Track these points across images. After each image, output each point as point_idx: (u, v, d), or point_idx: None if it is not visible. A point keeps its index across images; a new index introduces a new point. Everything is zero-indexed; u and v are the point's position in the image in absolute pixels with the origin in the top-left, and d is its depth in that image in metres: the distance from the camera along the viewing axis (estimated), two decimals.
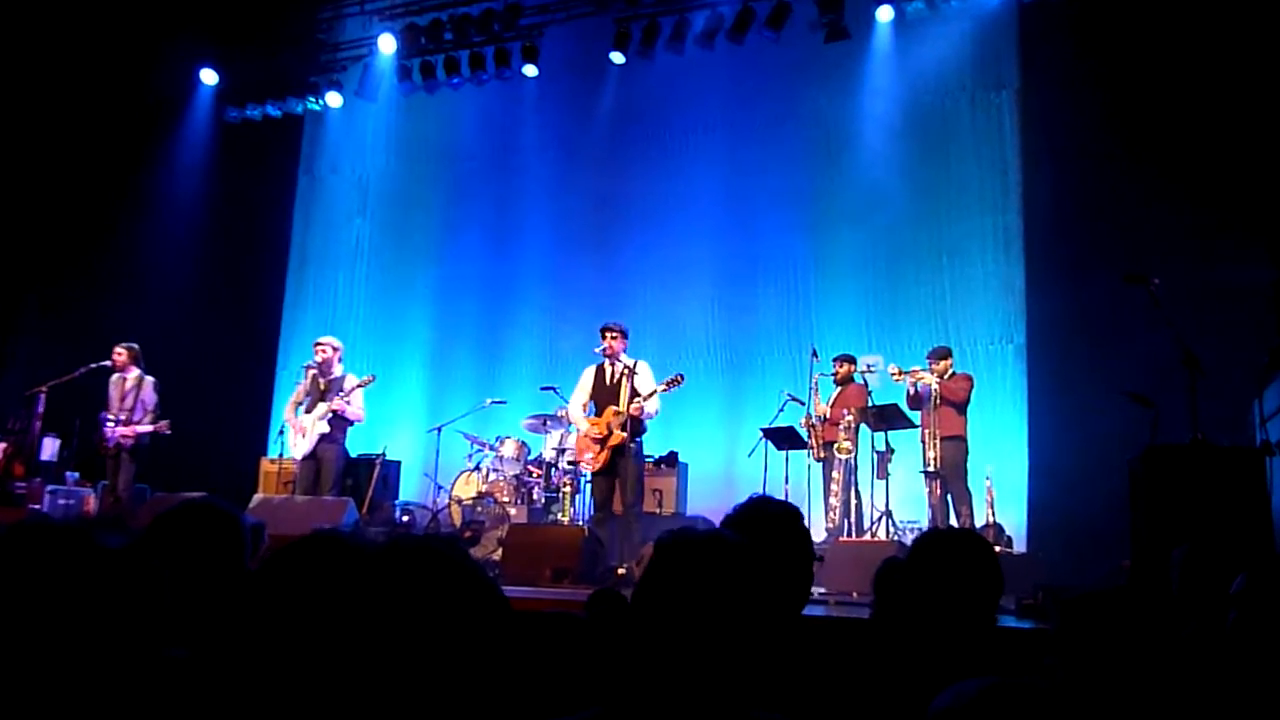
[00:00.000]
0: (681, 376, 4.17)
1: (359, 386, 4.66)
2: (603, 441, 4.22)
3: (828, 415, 4.97)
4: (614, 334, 4.27)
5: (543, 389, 5.40)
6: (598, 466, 4.21)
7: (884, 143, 5.59)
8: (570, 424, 4.94)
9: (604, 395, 4.22)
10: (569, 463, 5.20)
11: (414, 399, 6.71)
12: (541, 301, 6.62)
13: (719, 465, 5.83)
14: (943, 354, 4.70)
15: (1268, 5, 4.07)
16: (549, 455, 5.49)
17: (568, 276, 6.45)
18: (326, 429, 4.62)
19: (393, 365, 6.53)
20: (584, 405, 4.20)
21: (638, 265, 6.28)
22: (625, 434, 4.09)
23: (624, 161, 6.22)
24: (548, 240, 6.56)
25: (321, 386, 4.68)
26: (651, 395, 4.14)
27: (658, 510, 5.16)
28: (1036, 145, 5.13)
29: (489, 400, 5.68)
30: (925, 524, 4.50)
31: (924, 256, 5.55)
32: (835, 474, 4.74)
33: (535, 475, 5.43)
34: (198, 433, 5.44)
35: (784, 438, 4.98)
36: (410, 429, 6.45)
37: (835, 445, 4.76)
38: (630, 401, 4.16)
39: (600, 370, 4.25)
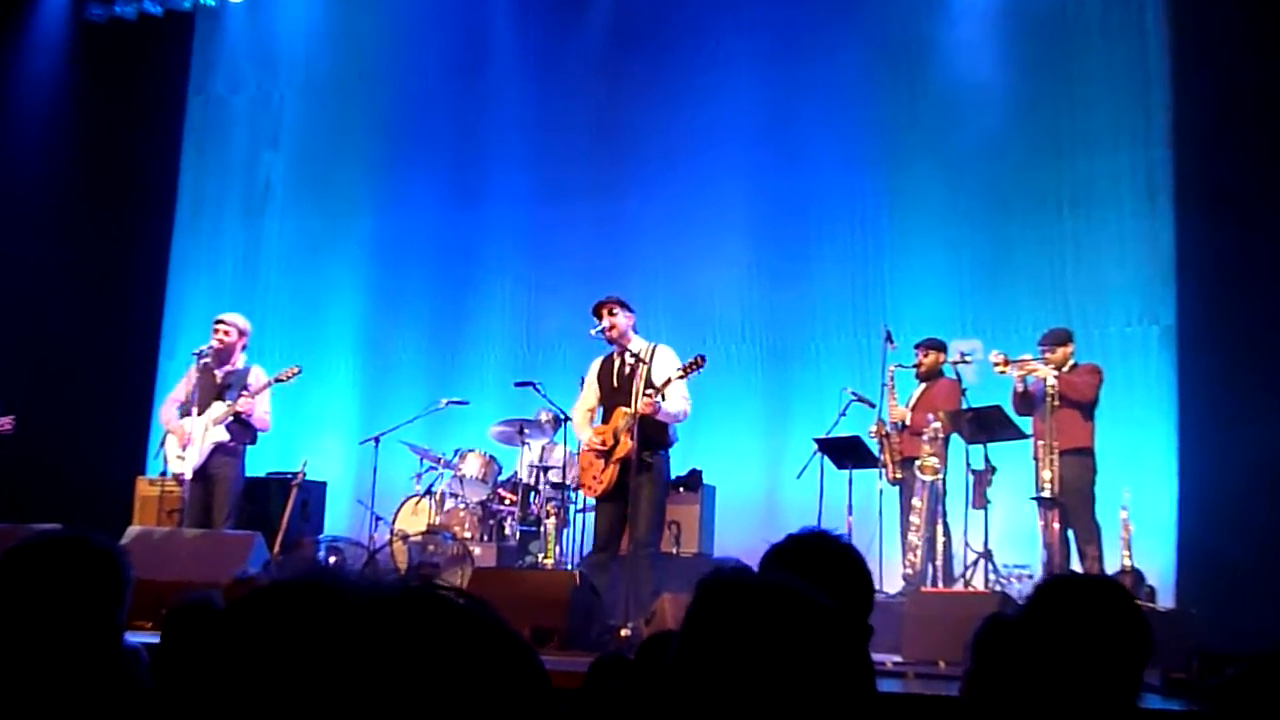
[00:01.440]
0: (702, 359, 4.16)
1: (275, 382, 4.64)
2: (608, 455, 4.22)
3: (907, 421, 5.04)
4: (611, 309, 4.33)
5: (518, 385, 5.49)
6: (603, 489, 4.21)
7: (981, 52, 5.63)
8: (554, 430, 5.26)
9: (613, 395, 4.34)
10: (554, 484, 5.31)
11: (343, 398, 6.92)
12: (516, 268, 6.80)
13: (757, 489, 5.99)
14: (1062, 338, 4.68)
15: None
16: (526, 475, 5.60)
17: (552, 235, 6.66)
18: (224, 437, 4.56)
19: (315, 352, 6.66)
20: (590, 412, 4.41)
21: (647, 220, 6.49)
22: (634, 443, 4.16)
23: (629, 80, 6.37)
24: (525, 186, 6.73)
25: (218, 381, 4.64)
26: (668, 384, 4.14)
27: (674, 550, 5.23)
28: (1192, 52, 5.02)
29: (445, 401, 5.74)
30: (1039, 569, 4.48)
31: (1036, 206, 5.60)
32: (917, 501, 4.79)
33: (508, 502, 5.55)
34: (51, 441, 5.49)
35: (847, 452, 5.08)
36: (338, 439, 6.59)
37: (917, 463, 4.80)
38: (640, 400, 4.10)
39: (608, 363, 4.30)
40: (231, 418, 4.55)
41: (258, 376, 4.71)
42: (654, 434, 4.03)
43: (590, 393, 4.31)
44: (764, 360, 6.36)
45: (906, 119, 5.87)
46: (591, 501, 4.36)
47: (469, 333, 7.00)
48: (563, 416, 4.97)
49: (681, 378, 4.10)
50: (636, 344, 4.21)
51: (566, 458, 5.10)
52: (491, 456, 5.65)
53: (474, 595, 0.54)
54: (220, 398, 4.59)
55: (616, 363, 4.24)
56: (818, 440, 5.12)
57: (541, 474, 5.51)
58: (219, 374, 4.67)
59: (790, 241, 6.29)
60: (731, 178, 6.29)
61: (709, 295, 6.39)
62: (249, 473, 4.94)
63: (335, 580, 0.54)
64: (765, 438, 6.17)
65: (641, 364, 4.15)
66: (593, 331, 4.27)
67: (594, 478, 4.14)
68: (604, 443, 4.14)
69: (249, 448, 4.76)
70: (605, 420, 4.25)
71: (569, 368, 5.59)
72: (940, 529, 4.72)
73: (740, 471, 6.03)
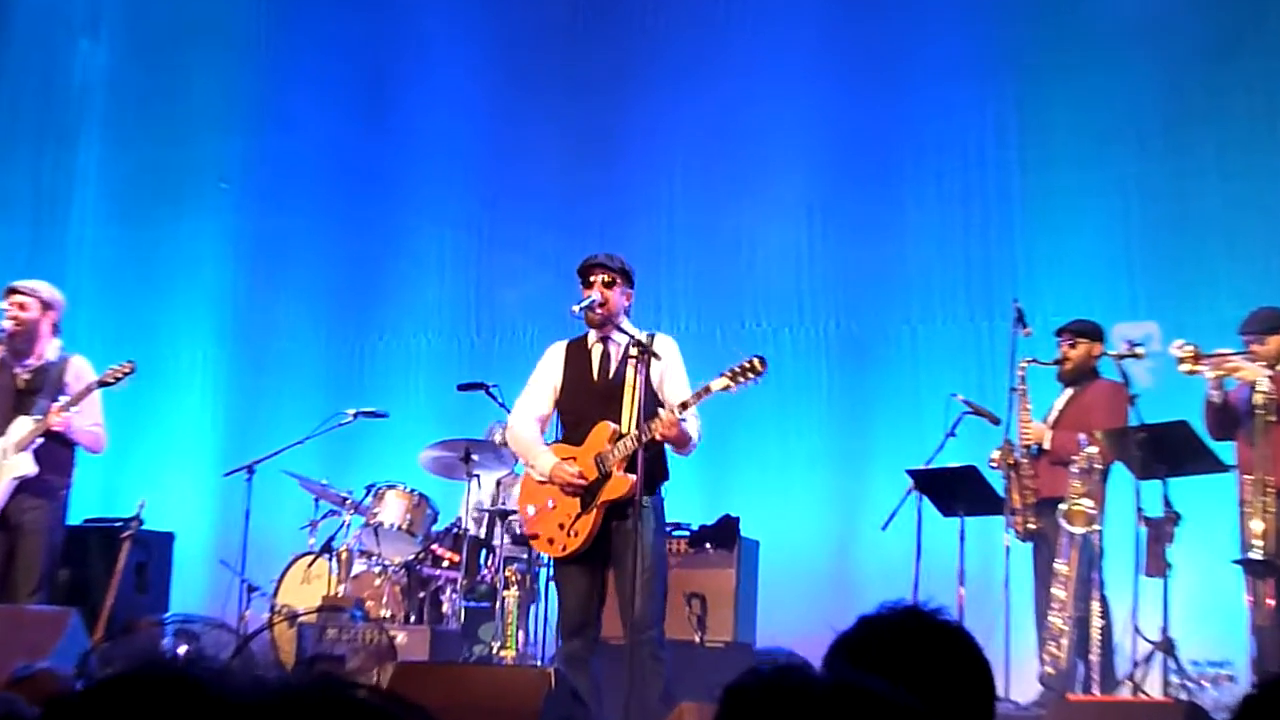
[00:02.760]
0: (761, 362, 4.09)
1: (101, 385, 4.55)
2: (589, 494, 4.15)
3: (1046, 444, 5.08)
4: (605, 273, 4.28)
5: (462, 389, 5.74)
6: (578, 545, 4.14)
7: None
8: (516, 458, 5.25)
9: (589, 401, 4.25)
10: (517, 538, 5.40)
11: (198, 411, 7.30)
12: (459, 213, 7.28)
13: (821, 546, 6.26)
14: (1276, 323, 4.69)
15: None
16: (475, 523, 5.79)
17: (515, 165, 7.15)
18: (30, 468, 4.42)
19: (153, 342, 6.97)
20: (541, 419, 4.35)
21: (657, 148, 6.95)
22: (639, 479, 4.00)
23: None
24: (472, 90, 7.22)
25: (21, 383, 4.51)
26: (704, 397, 4.10)
27: (697, 636, 5.28)
28: None
29: (352, 413, 5.87)
30: (1245, 667, 4.57)
31: (1227, 124, 5.81)
32: (1062, 565, 4.77)
33: (447, 563, 5.69)
34: None
35: (956, 491, 5.15)
36: (191, 470, 6.90)
37: (1062, 507, 4.77)
38: (644, 414, 4.10)
39: (578, 350, 4.31)
40: (41, 438, 4.39)
41: (79, 373, 4.60)
42: (651, 464, 4.04)
43: (544, 391, 4.26)
44: (830, 355, 6.63)
45: (1047, 10, 6.17)
46: (554, 559, 4.37)
47: (388, 310, 7.32)
48: None
49: (728, 388, 4.06)
50: (627, 328, 4.22)
51: None
52: (422, 496, 5.73)
53: (399, 698, 0.52)
54: (22, 409, 4.46)
55: (598, 353, 4.22)
56: (913, 473, 5.17)
57: (498, 523, 5.60)
58: (19, 372, 4.54)
59: (869, 186, 6.53)
60: (785, 93, 6.61)
61: (749, 260, 6.73)
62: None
63: (190, 679, 0.52)
64: (833, 468, 6.38)
65: (643, 359, 4.08)
66: (576, 307, 4.20)
67: (561, 526, 4.09)
68: (583, 475, 4.10)
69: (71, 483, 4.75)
70: (571, 436, 4.19)
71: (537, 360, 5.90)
72: (1096, 607, 4.70)
73: (796, 519, 6.21)
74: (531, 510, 4.18)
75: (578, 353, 4.22)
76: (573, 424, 4.20)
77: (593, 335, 4.21)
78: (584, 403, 4.17)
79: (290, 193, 7.54)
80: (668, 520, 4.44)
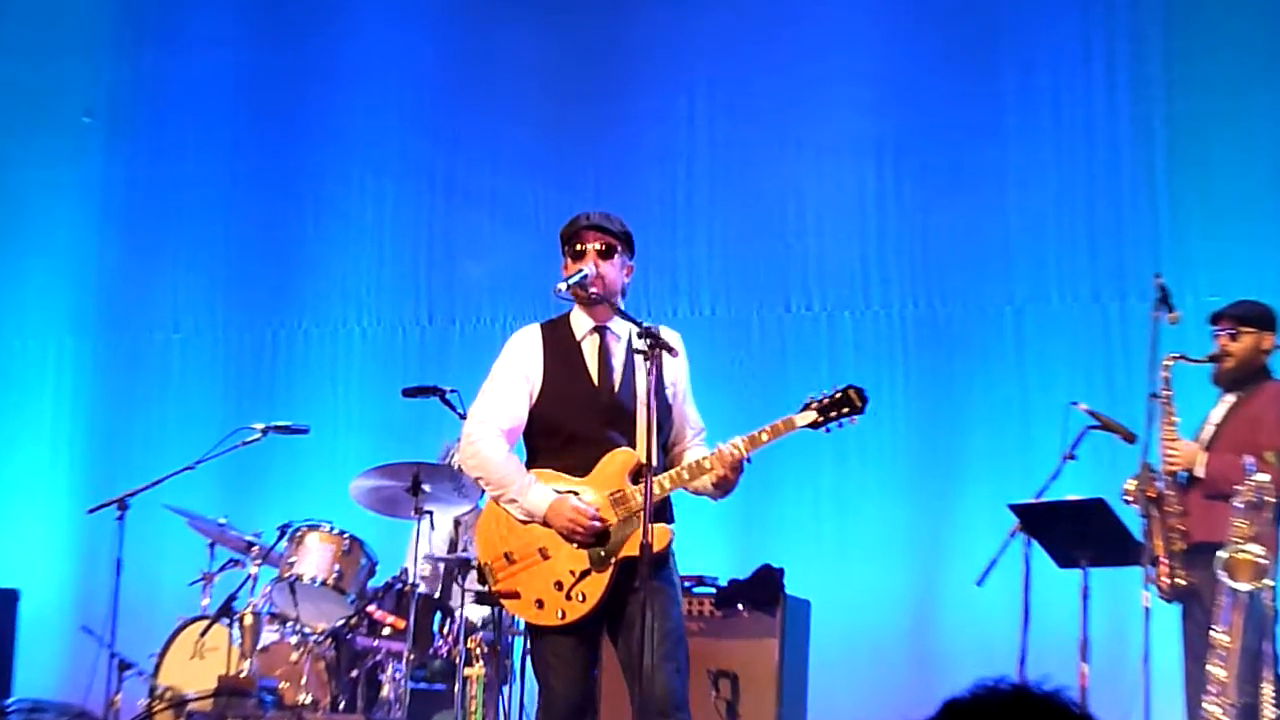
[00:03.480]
0: (861, 396, 4.04)
1: None
2: (603, 548, 4.05)
3: (1199, 471, 5.04)
4: (600, 239, 4.24)
5: (408, 394, 5.65)
6: (584, 612, 4.03)
7: None
8: (474, 485, 5.38)
9: (584, 413, 4.23)
10: (483, 595, 5.33)
11: (52, 426, 7.41)
12: (405, 161, 7.44)
13: (893, 605, 6.30)
14: None
15: None
16: (427, 578, 5.75)
17: (481, 100, 7.30)
18: None
19: None
20: (509, 433, 4.24)
21: (672, 81, 7.13)
22: (671, 528, 4.07)
23: None
24: (427, 3, 7.55)
25: None
26: (777, 436, 4.05)
27: None
28: None
29: (260, 427, 5.82)
30: None
31: None
32: (1223, 634, 4.73)
33: (389, 629, 5.68)
34: None
35: (1077, 532, 5.10)
36: (43, 504, 7.09)
37: (1223, 555, 4.75)
38: (658, 435, 4.06)
39: (561, 341, 4.30)
40: None
41: None
42: (660, 504, 4.09)
43: (517, 393, 4.20)
44: (906, 347, 6.72)
45: None
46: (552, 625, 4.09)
47: (309, 290, 7.48)
48: None
49: (817, 425, 4.03)
50: (616, 323, 4.24)
51: None
52: (355, 540, 5.75)
53: None
54: None
55: (592, 347, 4.21)
56: (1018, 509, 5.16)
57: (457, 576, 5.62)
58: None
59: (958, 122, 6.69)
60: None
61: (797, 223, 6.87)
62: None
63: None
64: (909, 500, 6.52)
65: (653, 356, 3.96)
66: (562, 285, 4.10)
67: (559, 586, 4.02)
68: (599, 519, 4.01)
69: None
70: (566, 462, 4.14)
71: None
72: (1269, 690, 4.68)
73: (859, 571, 6.32)
74: (509, 560, 4.08)
75: (561, 344, 4.19)
76: (560, 445, 4.13)
77: (581, 321, 4.18)
78: (578, 416, 4.12)
79: (178, 132, 7.60)
80: (685, 573, 4.46)
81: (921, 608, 6.32)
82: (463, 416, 5.24)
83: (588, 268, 4.05)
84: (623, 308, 4.12)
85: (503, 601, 4.21)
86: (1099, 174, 6.56)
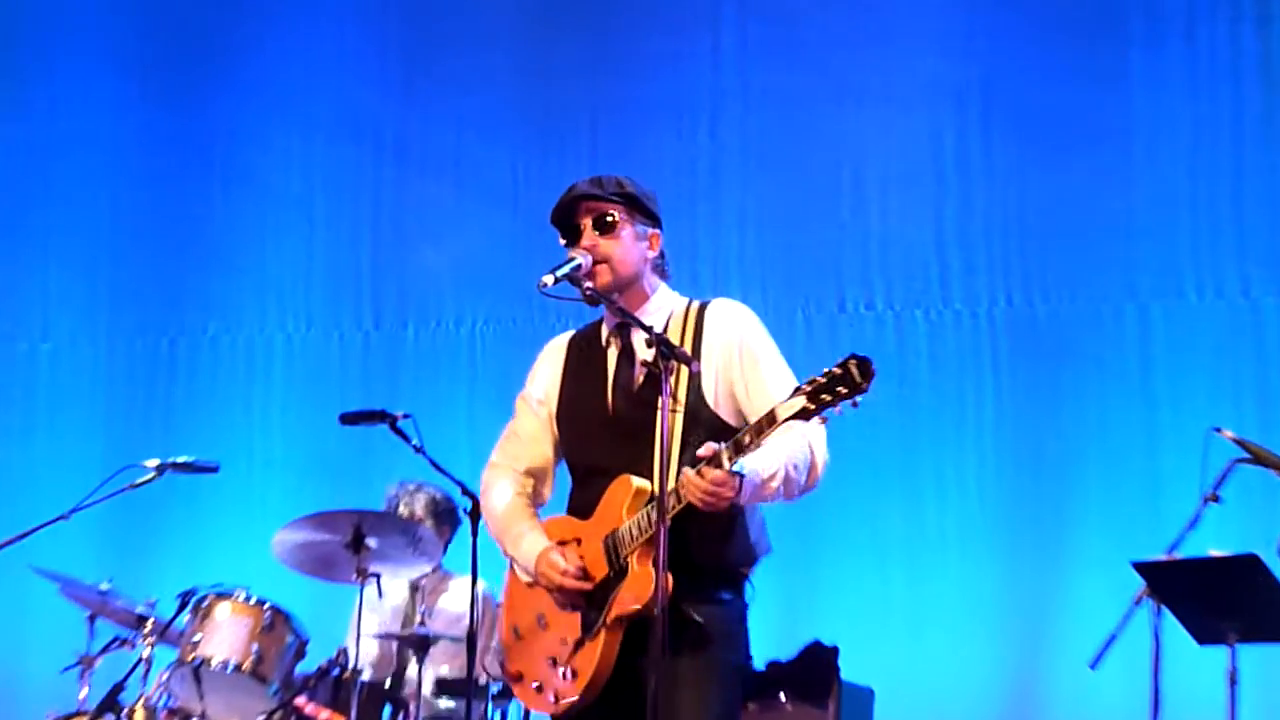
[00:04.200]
0: (861, 367, 3.79)
1: None
2: (593, 605, 4.11)
3: None
4: (603, 212, 4.30)
5: (347, 422, 5.65)
6: (575, 694, 4.06)
7: None
8: (443, 546, 5.72)
9: (599, 439, 4.31)
10: (445, 683, 5.62)
11: None
12: (343, 119, 7.61)
13: (980, 693, 6.33)
14: None
15: None
16: (372, 659, 5.91)
17: (440, 36, 7.41)
18: None
19: None
20: (536, 471, 4.44)
21: (694, 14, 7.20)
22: (663, 575, 3.87)
23: None
24: None
25: None
26: (761, 436, 3.94)
27: None
28: None
29: (154, 464, 5.75)
30: None
31: None
32: None
33: None
34: None
35: (1223, 596, 5.15)
36: None
37: None
38: (683, 455, 4.03)
39: (586, 351, 4.41)
40: None
41: None
42: (717, 545, 4.06)
43: (537, 424, 4.37)
44: (996, 354, 6.82)
45: None
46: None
47: (212, 284, 7.55)
48: (466, 500, 5.24)
49: (806, 414, 3.81)
50: (660, 305, 4.28)
51: (480, 612, 5.29)
52: (278, 612, 5.74)
53: None
54: None
55: (613, 358, 4.30)
56: (1144, 567, 5.18)
57: (412, 658, 5.67)
58: None
59: (1062, 67, 6.76)
60: None
61: (855, 199, 6.92)
62: None
63: None
64: (999, 554, 6.55)
65: (667, 367, 3.91)
66: (548, 278, 4.06)
67: (553, 663, 4.13)
68: (585, 570, 4.10)
69: None
70: (580, 503, 4.25)
71: (486, 369, 6.04)
72: None
73: (935, 649, 6.35)
74: (516, 635, 4.25)
75: (586, 356, 4.34)
76: (579, 480, 4.26)
77: (606, 325, 4.29)
78: (589, 443, 4.25)
79: (45, 86, 7.69)
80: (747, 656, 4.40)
81: (1018, 697, 6.35)
82: (418, 449, 5.38)
83: (580, 255, 4.07)
84: (653, 295, 4.18)
85: (513, 689, 4.34)
86: (1249, 133, 6.59)
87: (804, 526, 6.18)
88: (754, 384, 4.06)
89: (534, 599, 4.19)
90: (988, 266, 6.90)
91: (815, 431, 4.02)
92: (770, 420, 3.77)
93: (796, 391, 3.74)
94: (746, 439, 3.79)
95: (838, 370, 3.68)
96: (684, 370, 3.98)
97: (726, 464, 3.77)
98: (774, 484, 3.92)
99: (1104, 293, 6.72)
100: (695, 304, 4.25)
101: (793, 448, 3.96)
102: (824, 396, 3.68)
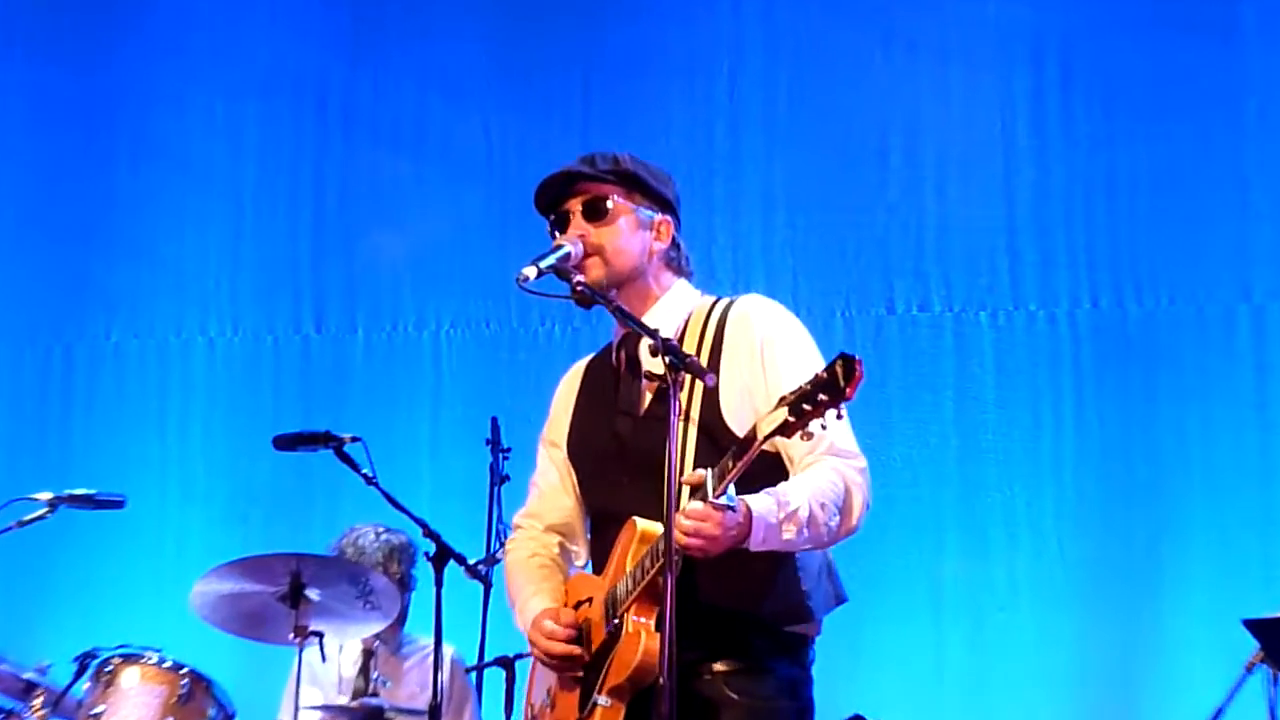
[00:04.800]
0: (847, 367, 3.70)
1: None
2: (593, 675, 4.22)
3: None
4: (594, 196, 4.34)
5: (282, 446, 5.76)
6: None
7: None
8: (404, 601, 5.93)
9: (608, 473, 4.38)
10: None
11: None
12: (285, 80, 7.74)
13: None
14: None
15: None
16: None
17: None
18: None
19: None
20: (563, 526, 4.57)
21: None
22: (666, 634, 3.83)
23: None
24: None
25: None
26: (739, 466, 3.88)
27: None
28: None
29: (47, 498, 5.86)
30: None
31: None
32: None
33: None
34: None
35: None
36: None
37: None
38: (707, 483, 3.85)
39: (599, 374, 4.53)
40: None
41: None
42: (745, 596, 4.07)
43: (551, 469, 4.47)
44: (1079, 364, 6.92)
45: None
46: None
47: (117, 280, 7.67)
48: (428, 542, 5.38)
49: (789, 429, 3.76)
50: (675, 305, 4.31)
51: (445, 681, 5.41)
52: (196, 678, 5.72)
53: None
54: None
55: (618, 367, 4.38)
56: (1257, 626, 5.26)
57: None
58: None
59: (1151, 23, 6.95)
60: None
61: (904, 177, 7.04)
62: None
63: None
64: (1083, 608, 6.62)
65: (676, 380, 3.90)
66: (532, 268, 4.03)
67: None
68: (575, 637, 4.16)
69: None
70: (599, 559, 4.32)
71: (454, 382, 6.14)
72: None
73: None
74: (532, 714, 4.39)
75: (598, 379, 4.45)
76: (598, 528, 4.37)
77: (615, 337, 4.36)
78: (603, 483, 4.32)
79: None
80: None
81: None
82: (370, 480, 5.44)
83: (570, 242, 4.10)
84: (665, 293, 4.20)
85: None
86: None
87: (843, 575, 6.06)
88: (773, 395, 3.97)
89: (546, 672, 4.27)
90: (1068, 259, 6.96)
91: (852, 464, 4.02)
92: (750, 437, 3.76)
93: (780, 403, 3.72)
94: (730, 464, 3.76)
95: (823, 374, 3.66)
96: (698, 384, 4.00)
97: (710, 495, 3.72)
98: (794, 526, 3.89)
99: (1211, 291, 6.79)
100: (719, 303, 4.26)
101: (821, 483, 3.96)
102: (805, 408, 3.66)
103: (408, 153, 7.62)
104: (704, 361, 4.03)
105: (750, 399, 4.06)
